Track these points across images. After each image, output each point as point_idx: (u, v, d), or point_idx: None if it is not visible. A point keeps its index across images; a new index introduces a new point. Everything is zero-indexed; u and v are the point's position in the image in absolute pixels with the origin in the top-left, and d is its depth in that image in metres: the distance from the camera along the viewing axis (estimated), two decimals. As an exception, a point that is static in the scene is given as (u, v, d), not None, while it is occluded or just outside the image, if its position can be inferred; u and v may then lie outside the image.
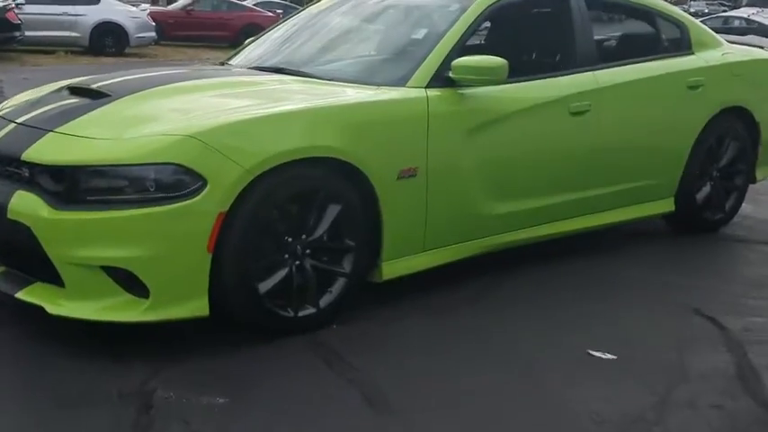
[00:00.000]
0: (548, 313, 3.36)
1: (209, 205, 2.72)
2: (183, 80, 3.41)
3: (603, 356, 2.95)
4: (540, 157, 3.70)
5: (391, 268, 3.24)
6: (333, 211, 3.01)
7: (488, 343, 3.05)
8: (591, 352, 2.97)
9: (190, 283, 2.76)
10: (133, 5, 18.03)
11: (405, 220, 3.24)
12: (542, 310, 3.38)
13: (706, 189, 4.45)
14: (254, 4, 21.48)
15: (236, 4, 20.66)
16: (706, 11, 31.07)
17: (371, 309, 3.26)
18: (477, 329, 3.17)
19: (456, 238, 3.47)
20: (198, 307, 2.78)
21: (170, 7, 20.58)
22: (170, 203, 2.69)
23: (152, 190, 2.71)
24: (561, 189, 3.81)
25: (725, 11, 29.53)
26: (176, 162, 2.71)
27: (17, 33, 13.75)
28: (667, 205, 4.31)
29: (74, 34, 15.43)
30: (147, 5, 19.93)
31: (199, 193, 2.71)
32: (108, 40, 15.69)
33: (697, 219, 4.49)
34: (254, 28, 16.38)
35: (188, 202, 2.70)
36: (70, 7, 15.35)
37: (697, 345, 3.11)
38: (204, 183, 2.71)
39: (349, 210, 3.04)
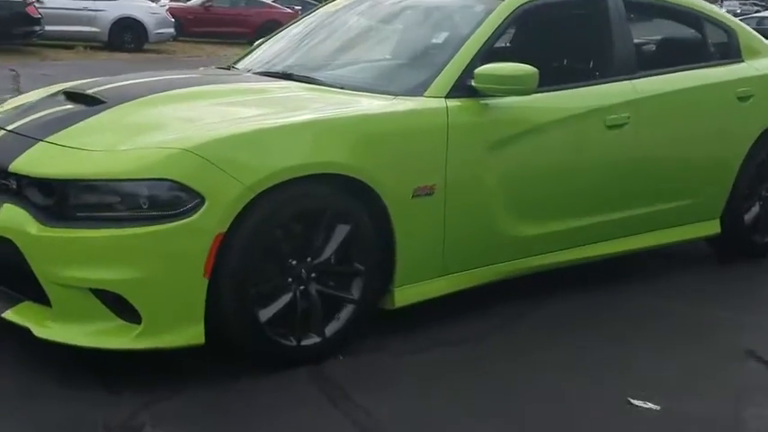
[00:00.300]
0: (578, 351, 3.07)
1: (207, 225, 2.52)
2: (184, 86, 3.21)
3: (644, 406, 2.65)
4: (572, 174, 3.42)
5: (405, 294, 3.01)
6: (341, 231, 2.79)
7: (511, 385, 2.77)
8: (631, 400, 2.68)
9: (184, 308, 2.56)
10: (153, 1, 17.94)
11: (420, 242, 3.00)
12: (572, 348, 3.09)
13: (755, 210, 4.13)
14: (274, 1, 21.34)
15: (254, 0, 20.52)
16: (738, 11, 30.39)
17: (382, 339, 3.02)
18: (499, 368, 2.90)
19: (476, 262, 3.22)
20: (193, 335, 2.58)
21: (189, 3, 20.51)
22: (164, 222, 2.50)
23: (145, 207, 2.52)
24: (595, 209, 3.53)
25: (758, 11, 28.87)
26: (171, 178, 2.52)
27: (37, 28, 13.77)
28: (712, 227, 4.01)
29: (93, 29, 15.42)
30: (167, 1, 19.82)
31: (195, 212, 2.51)
32: (127, 36, 15.69)
33: (744, 242, 4.17)
34: (273, 24, 16.27)
35: (184, 221, 2.50)
36: (90, 2, 15.32)
37: (751, 395, 2.78)
38: (201, 200, 2.52)
39: (359, 230, 2.82)
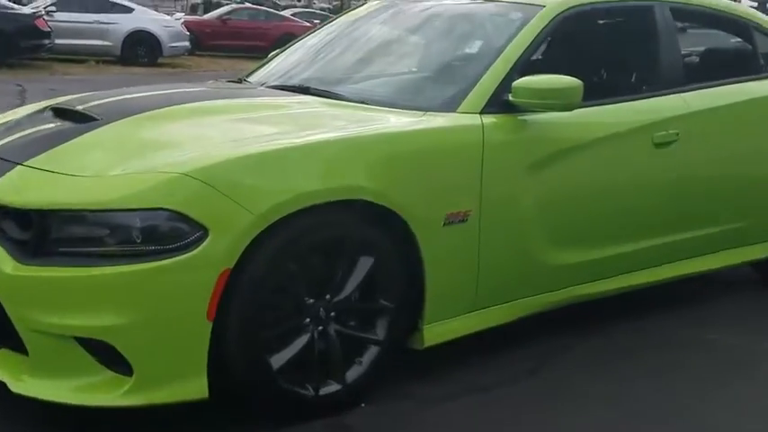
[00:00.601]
0: (628, 393, 2.74)
1: (211, 261, 2.21)
2: (188, 101, 2.90)
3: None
4: (617, 197, 3.12)
5: (435, 333, 2.70)
6: (364, 264, 2.49)
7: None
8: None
9: (184, 357, 2.25)
10: (168, 14, 17.80)
11: (452, 275, 2.69)
12: (619, 389, 2.77)
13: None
14: (292, 14, 21.25)
15: (273, 13, 20.48)
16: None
17: (408, 384, 2.70)
18: (536, 415, 2.57)
19: (513, 294, 2.90)
20: (194, 388, 2.26)
21: (206, 17, 20.41)
22: (161, 258, 2.18)
23: (139, 242, 2.20)
24: (641, 234, 3.23)
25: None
26: (169, 207, 2.20)
27: (46, 41, 13.57)
28: (762, 251, 3.73)
29: (106, 43, 15.22)
30: (182, 15, 19.72)
31: (197, 246, 2.20)
32: (140, 50, 15.46)
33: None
34: (291, 38, 15.96)
35: (183, 257, 2.19)
36: (103, 15, 15.13)
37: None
38: (204, 233, 2.21)
39: (384, 262, 2.52)
